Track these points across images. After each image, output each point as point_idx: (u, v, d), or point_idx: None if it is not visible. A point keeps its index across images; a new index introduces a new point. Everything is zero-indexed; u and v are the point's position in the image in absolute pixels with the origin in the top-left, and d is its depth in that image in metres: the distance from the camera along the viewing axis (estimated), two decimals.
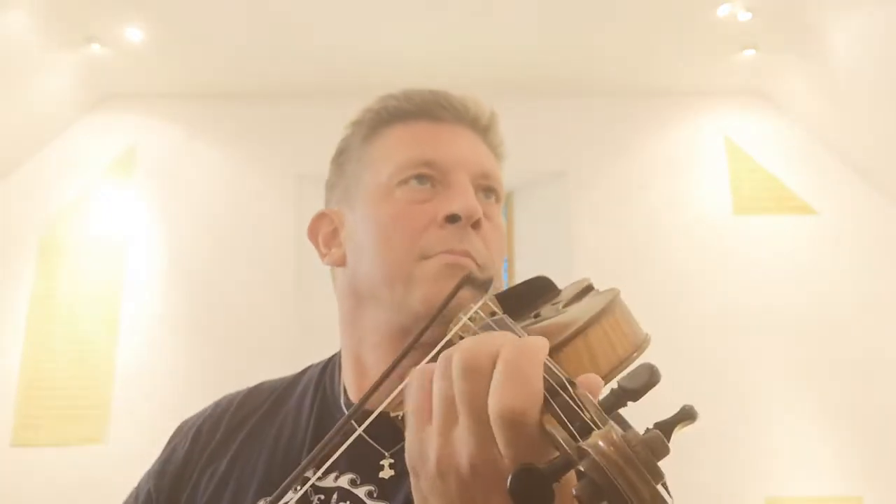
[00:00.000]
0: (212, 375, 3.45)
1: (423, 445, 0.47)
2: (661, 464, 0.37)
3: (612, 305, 0.54)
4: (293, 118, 3.92)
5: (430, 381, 0.46)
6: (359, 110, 0.87)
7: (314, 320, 3.49)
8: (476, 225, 0.76)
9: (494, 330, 0.59)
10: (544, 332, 0.52)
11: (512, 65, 3.80)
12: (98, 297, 3.71)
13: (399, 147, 0.80)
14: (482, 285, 0.67)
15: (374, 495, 0.75)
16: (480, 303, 0.64)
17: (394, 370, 0.57)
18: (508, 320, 0.60)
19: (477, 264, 0.75)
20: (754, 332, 3.68)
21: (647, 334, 0.56)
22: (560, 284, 0.72)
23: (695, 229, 3.88)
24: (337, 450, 0.52)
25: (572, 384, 0.42)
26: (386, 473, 0.76)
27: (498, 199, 0.83)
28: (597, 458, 0.36)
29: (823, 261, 3.81)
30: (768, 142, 4.02)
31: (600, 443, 0.36)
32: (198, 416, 0.91)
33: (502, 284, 0.78)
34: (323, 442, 0.56)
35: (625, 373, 0.44)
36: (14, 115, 3.57)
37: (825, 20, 3.34)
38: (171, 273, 3.79)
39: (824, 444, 3.56)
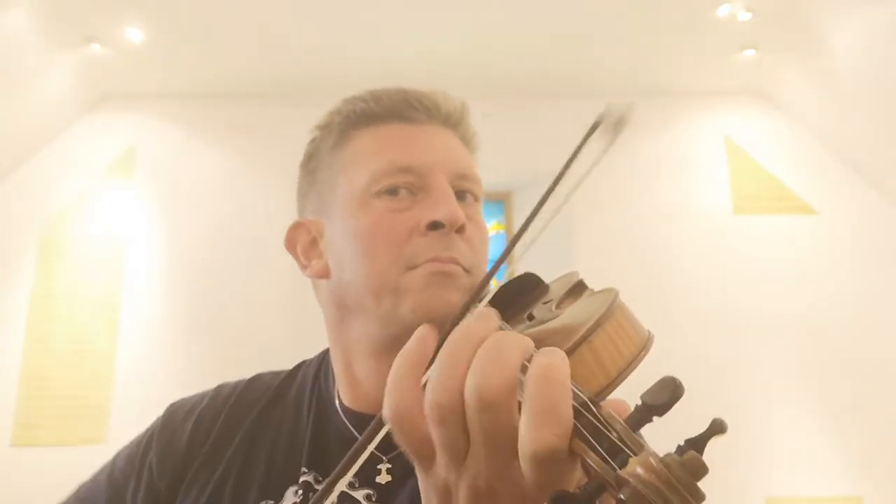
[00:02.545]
0: (212, 375, 3.44)
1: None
2: None
3: (613, 308, 0.52)
4: (293, 118, 3.90)
5: None
6: (325, 113, 0.84)
7: (313, 320, 3.47)
8: (460, 230, 0.74)
9: None
10: (545, 339, 0.50)
11: (511, 65, 3.81)
12: (98, 297, 3.71)
13: (372, 152, 0.78)
14: (616, 125, 0.64)
15: (373, 499, 0.75)
16: (481, 306, 0.62)
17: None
18: (506, 328, 0.58)
19: (464, 269, 0.74)
20: (754, 331, 3.69)
21: (649, 332, 0.55)
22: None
23: (695, 229, 3.88)
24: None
25: (595, 403, 0.41)
26: (383, 478, 0.75)
27: (477, 199, 0.81)
28: (638, 486, 0.35)
29: (823, 261, 3.81)
30: (768, 142, 4.02)
31: (640, 470, 0.35)
32: (196, 401, 0.89)
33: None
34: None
35: (644, 384, 0.42)
36: (14, 115, 3.57)
37: (825, 20, 3.34)
38: (171, 273, 3.79)
39: (824, 443, 3.56)
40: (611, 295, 0.55)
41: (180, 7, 3.34)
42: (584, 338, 0.49)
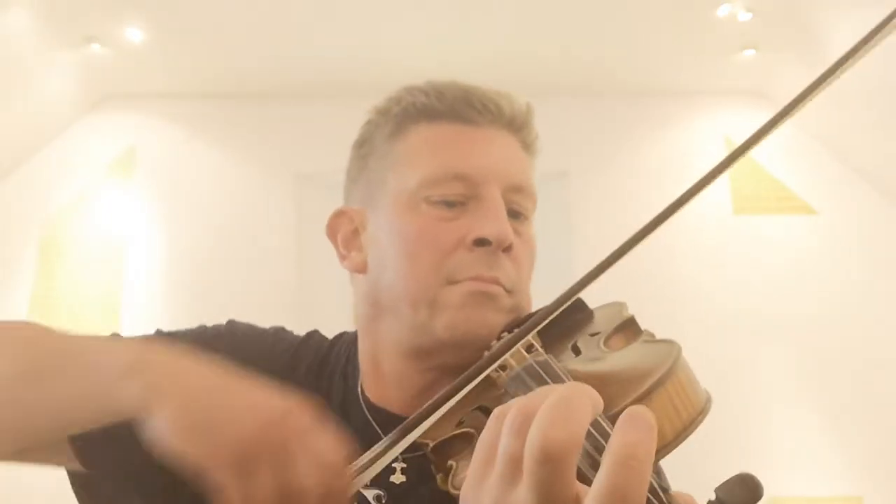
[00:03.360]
0: None
1: (480, 490, 0.43)
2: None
3: (676, 366, 0.49)
4: (293, 118, 3.92)
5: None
6: (384, 99, 0.81)
7: (315, 320, 3.47)
8: (507, 248, 0.72)
9: (538, 372, 0.55)
10: (599, 389, 0.44)
11: (511, 65, 3.80)
12: (98, 297, 3.71)
13: (428, 152, 0.76)
14: None
15: (383, 501, 0.73)
16: (523, 341, 0.58)
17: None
18: (554, 363, 0.56)
19: (506, 290, 0.72)
20: (754, 332, 3.68)
21: (708, 394, 0.51)
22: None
23: (695, 229, 3.87)
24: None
25: (665, 490, 0.39)
26: (397, 478, 0.74)
27: (528, 216, 0.78)
28: None
29: (824, 261, 3.81)
30: (768, 142, 3.98)
31: None
32: (255, 336, 0.88)
33: (530, 306, 0.75)
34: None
35: (723, 482, 0.38)
36: (14, 115, 3.57)
37: (825, 20, 3.34)
38: (171, 273, 3.79)
39: (825, 444, 3.56)
40: (674, 350, 0.52)
41: (180, 7, 3.34)
42: (645, 395, 0.46)
